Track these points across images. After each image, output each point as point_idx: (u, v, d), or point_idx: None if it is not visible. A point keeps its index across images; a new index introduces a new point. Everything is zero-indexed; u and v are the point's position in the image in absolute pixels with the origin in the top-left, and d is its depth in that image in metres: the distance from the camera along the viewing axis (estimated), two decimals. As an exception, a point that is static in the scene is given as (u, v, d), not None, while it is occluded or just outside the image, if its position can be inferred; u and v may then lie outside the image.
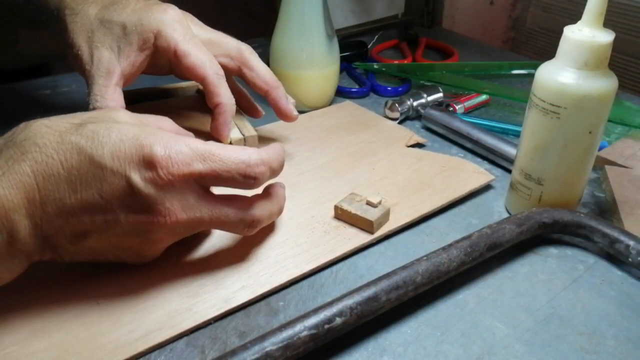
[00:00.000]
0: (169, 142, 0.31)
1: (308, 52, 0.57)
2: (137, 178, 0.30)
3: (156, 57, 0.44)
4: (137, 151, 0.30)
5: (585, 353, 0.32)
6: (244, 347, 0.28)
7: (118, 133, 0.31)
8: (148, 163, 0.30)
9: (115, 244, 0.32)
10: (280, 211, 0.38)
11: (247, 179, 0.33)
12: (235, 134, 0.46)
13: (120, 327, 0.32)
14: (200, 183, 0.32)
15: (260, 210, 0.35)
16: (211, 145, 0.32)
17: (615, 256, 0.38)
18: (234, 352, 0.28)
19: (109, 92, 0.41)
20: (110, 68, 0.41)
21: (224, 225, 0.34)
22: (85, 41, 0.42)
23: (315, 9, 0.56)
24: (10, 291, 0.33)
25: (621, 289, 0.37)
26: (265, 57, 0.59)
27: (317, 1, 0.56)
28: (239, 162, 0.32)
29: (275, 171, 0.35)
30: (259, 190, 0.37)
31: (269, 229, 0.40)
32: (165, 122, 0.37)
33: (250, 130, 0.47)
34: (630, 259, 0.37)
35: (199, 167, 0.31)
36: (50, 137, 0.30)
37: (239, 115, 0.50)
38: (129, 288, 0.35)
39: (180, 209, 0.31)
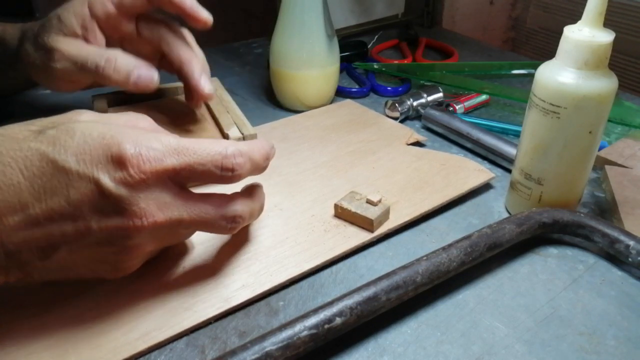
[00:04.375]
0: (139, 138, 0.29)
1: (308, 52, 0.57)
2: (106, 180, 0.28)
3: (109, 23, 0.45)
4: (104, 151, 0.28)
5: (585, 353, 0.32)
6: (244, 347, 0.28)
7: (81, 134, 0.28)
8: (117, 162, 0.28)
9: (89, 256, 0.30)
10: (261, 209, 0.36)
11: (224, 171, 0.31)
12: (234, 132, 0.46)
13: (120, 326, 0.32)
14: (175, 180, 0.30)
15: (241, 207, 0.33)
16: (185, 140, 0.30)
17: (615, 256, 0.38)
18: (234, 352, 0.28)
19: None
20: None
21: (204, 223, 0.32)
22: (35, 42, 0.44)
23: (315, 9, 0.56)
24: (10, 291, 0.33)
25: (621, 289, 0.37)
26: (265, 57, 0.60)
27: (317, 1, 0.56)
28: (215, 153, 0.30)
29: (257, 164, 0.33)
30: (238, 190, 0.36)
31: (269, 228, 0.40)
32: (142, 120, 0.34)
33: (249, 129, 0.47)
34: (630, 259, 0.37)
35: (172, 162, 0.29)
36: (7, 144, 0.28)
37: (239, 114, 0.50)
38: (128, 287, 0.35)
39: (156, 209, 0.29)
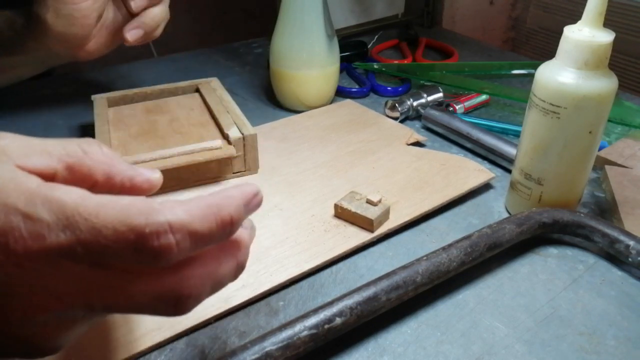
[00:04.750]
0: (15, 203, 0.20)
1: (308, 52, 0.57)
2: None
3: None
4: None
5: (585, 353, 0.32)
6: (244, 347, 0.28)
7: None
8: None
9: None
10: (238, 269, 0.25)
11: (140, 256, 0.20)
12: (234, 132, 0.46)
13: (120, 326, 0.32)
14: (77, 258, 0.21)
15: (195, 279, 0.22)
16: (89, 201, 0.21)
17: (615, 256, 0.38)
18: (234, 352, 0.28)
19: None
20: None
21: (131, 309, 0.22)
22: None
23: (315, 9, 0.56)
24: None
25: (621, 289, 0.37)
26: (265, 57, 0.60)
27: (317, 1, 0.56)
28: (125, 228, 0.20)
29: (207, 237, 0.22)
30: None
31: (269, 228, 0.40)
32: (92, 147, 0.25)
33: (249, 129, 0.47)
34: (630, 259, 0.37)
35: (58, 239, 0.20)
36: None
37: (239, 114, 0.50)
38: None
39: (48, 296, 0.21)
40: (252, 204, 0.24)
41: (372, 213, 0.40)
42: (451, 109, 0.60)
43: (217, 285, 0.24)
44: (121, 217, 0.20)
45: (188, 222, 0.21)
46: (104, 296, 0.21)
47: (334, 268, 0.38)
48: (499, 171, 0.50)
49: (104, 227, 0.20)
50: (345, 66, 0.72)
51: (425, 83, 0.65)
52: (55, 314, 0.22)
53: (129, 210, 0.20)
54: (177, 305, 0.22)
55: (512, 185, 0.43)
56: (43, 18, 0.46)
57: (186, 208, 0.21)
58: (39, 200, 0.20)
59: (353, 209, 0.40)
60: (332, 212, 0.42)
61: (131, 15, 0.50)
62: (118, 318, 0.32)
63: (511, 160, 0.48)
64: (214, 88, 0.55)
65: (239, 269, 0.25)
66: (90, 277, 0.21)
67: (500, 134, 0.56)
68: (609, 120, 0.54)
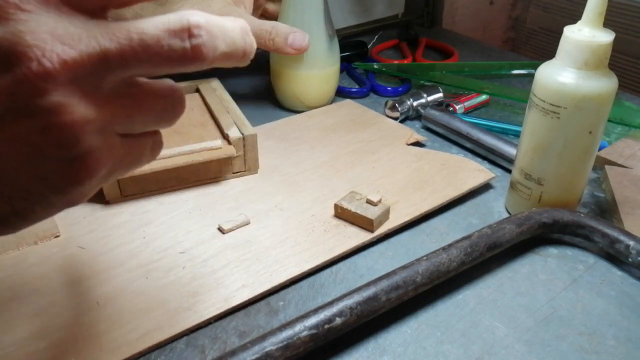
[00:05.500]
0: None
1: (308, 52, 0.57)
2: None
3: None
4: None
5: (585, 353, 0.32)
6: (244, 347, 0.28)
7: None
8: None
9: (10, 145, 0.20)
10: (241, 32, 0.23)
11: None
12: (234, 133, 0.46)
13: (120, 326, 0.32)
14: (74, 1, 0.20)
15: (198, 16, 0.21)
16: None
17: (615, 256, 0.38)
18: (234, 352, 0.28)
19: None
20: None
21: (146, 49, 0.20)
22: None
23: (315, 9, 0.56)
24: (11, 291, 0.33)
25: (621, 289, 0.37)
26: (266, 57, 0.60)
27: (317, 1, 0.56)
28: None
29: None
30: None
31: (269, 228, 0.40)
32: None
33: (249, 129, 0.47)
34: (630, 259, 0.37)
35: None
36: None
37: (239, 114, 0.50)
38: (128, 287, 0.35)
39: (57, 41, 0.19)
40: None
41: (372, 213, 0.40)
42: (451, 109, 0.60)
43: (223, 33, 0.22)
44: None
45: None
46: (118, 36, 0.20)
47: (334, 268, 0.38)
48: (499, 171, 0.50)
49: None
50: (345, 66, 0.72)
51: (425, 83, 0.65)
52: (68, 80, 0.20)
53: None
54: (190, 37, 0.21)
55: (512, 185, 0.43)
56: None
57: None
58: None
59: (353, 209, 0.40)
60: (332, 212, 0.42)
61: None
62: (118, 318, 0.32)
63: (511, 160, 0.48)
64: (214, 88, 0.55)
65: (241, 32, 0.23)
66: (100, 21, 0.21)
67: (500, 134, 0.56)
68: (609, 120, 0.54)
